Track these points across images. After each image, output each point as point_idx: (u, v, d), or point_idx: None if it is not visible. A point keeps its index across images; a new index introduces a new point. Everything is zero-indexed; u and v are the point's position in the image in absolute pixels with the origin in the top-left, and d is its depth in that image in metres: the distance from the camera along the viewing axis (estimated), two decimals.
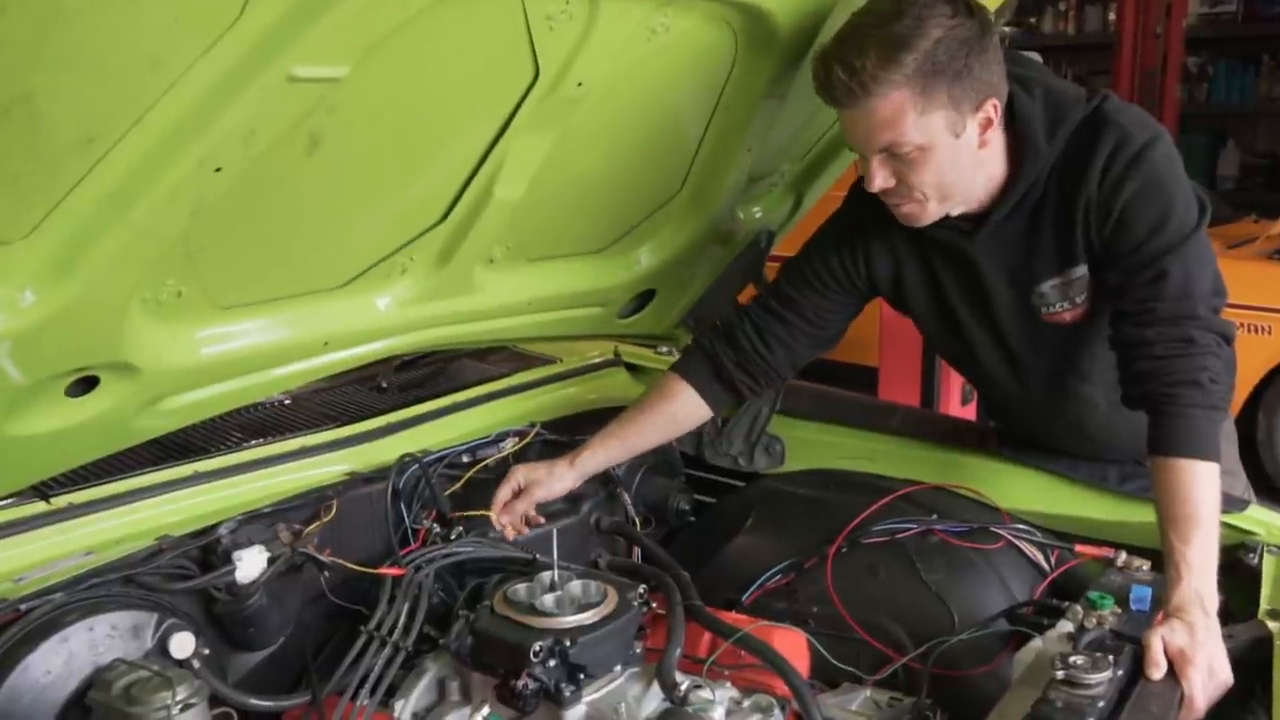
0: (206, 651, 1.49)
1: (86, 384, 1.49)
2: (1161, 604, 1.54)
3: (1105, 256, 1.73)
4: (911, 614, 1.81)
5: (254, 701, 1.52)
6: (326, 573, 1.71)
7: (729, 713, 1.47)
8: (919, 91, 1.58)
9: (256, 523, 1.68)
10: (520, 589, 1.59)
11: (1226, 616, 1.59)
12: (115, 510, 1.65)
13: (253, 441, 1.91)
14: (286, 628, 1.70)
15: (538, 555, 1.74)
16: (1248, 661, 1.54)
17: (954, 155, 1.66)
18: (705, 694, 1.46)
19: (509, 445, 2.11)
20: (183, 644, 1.45)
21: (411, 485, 1.90)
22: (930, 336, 2.07)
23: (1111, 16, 7.25)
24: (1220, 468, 1.62)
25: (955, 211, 1.77)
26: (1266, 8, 7.26)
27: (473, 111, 1.60)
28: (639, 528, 2.14)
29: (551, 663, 1.46)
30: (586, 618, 1.51)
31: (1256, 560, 1.76)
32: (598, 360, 2.54)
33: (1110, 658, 1.41)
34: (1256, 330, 4.55)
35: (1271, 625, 1.61)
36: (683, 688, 1.47)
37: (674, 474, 2.31)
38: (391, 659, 1.55)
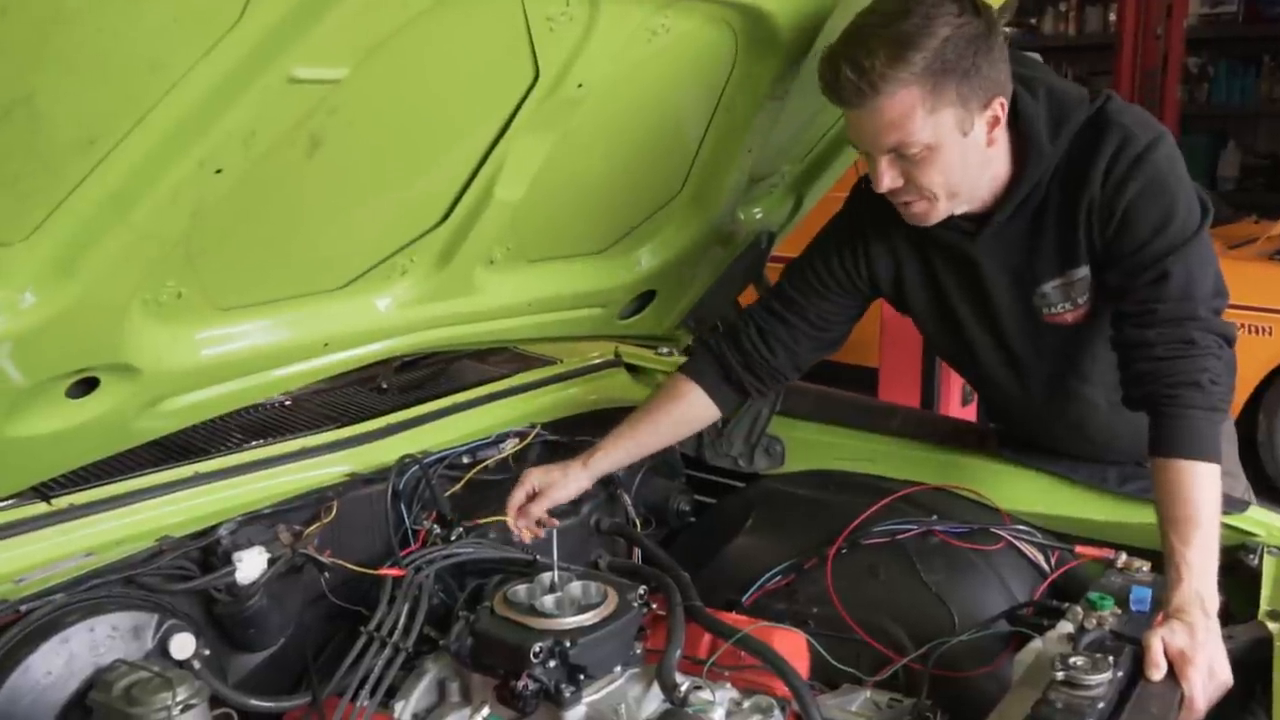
0: (207, 652, 1.49)
1: (87, 385, 1.49)
2: (1162, 605, 1.54)
3: (1107, 257, 1.73)
4: (912, 615, 1.81)
5: (254, 702, 1.52)
6: (327, 574, 1.71)
7: (729, 714, 1.48)
8: (928, 90, 1.57)
9: (257, 524, 1.68)
10: (520, 590, 1.59)
11: (1227, 617, 1.59)
12: (116, 511, 1.66)
13: (253, 442, 1.92)
14: (287, 629, 1.71)
15: (538, 556, 1.74)
16: (1248, 662, 1.54)
17: (962, 154, 1.66)
18: (705, 695, 1.46)
19: (509, 446, 2.12)
20: (183, 645, 1.46)
21: (412, 486, 1.90)
22: (931, 337, 2.07)
23: (1112, 17, 7.23)
24: (1220, 469, 1.62)
25: (959, 211, 1.77)
26: (1267, 8, 7.24)
27: (473, 113, 1.60)
28: (639, 528, 2.14)
29: (551, 664, 1.46)
30: (586, 619, 1.52)
31: (1257, 561, 1.76)
32: (598, 361, 2.54)
33: (1110, 659, 1.41)
34: (1257, 331, 4.55)
35: (1271, 626, 1.61)
36: (683, 688, 1.47)
37: (674, 475, 2.30)
38: (392, 660, 1.56)
